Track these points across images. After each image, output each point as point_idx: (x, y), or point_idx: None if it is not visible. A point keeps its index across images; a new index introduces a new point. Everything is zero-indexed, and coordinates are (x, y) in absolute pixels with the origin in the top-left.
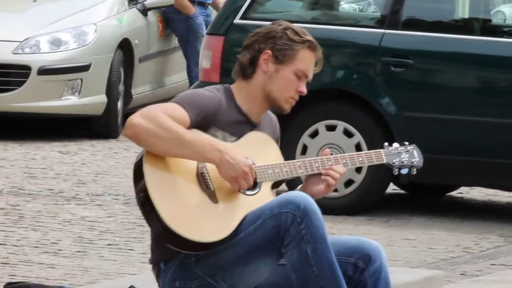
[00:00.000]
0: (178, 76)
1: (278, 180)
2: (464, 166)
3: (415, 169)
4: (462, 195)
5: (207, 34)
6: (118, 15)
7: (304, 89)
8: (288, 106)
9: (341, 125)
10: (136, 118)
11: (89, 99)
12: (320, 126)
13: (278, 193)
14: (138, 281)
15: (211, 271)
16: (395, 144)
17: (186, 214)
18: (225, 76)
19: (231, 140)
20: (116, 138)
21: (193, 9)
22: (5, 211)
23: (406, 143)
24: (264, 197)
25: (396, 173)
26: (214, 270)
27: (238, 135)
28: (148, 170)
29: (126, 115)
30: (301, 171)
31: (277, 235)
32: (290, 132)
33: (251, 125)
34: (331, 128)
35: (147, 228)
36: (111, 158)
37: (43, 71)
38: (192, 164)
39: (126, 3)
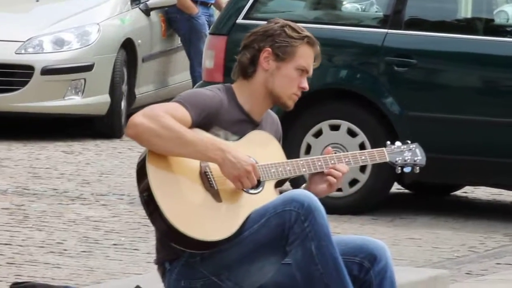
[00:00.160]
0: (181, 76)
1: (281, 178)
2: (468, 165)
3: (418, 168)
4: (466, 194)
5: (210, 34)
6: (120, 15)
7: (306, 85)
8: (291, 102)
9: (344, 124)
10: (138, 118)
11: (92, 99)
12: (324, 125)
13: (281, 192)
14: (144, 281)
15: (216, 270)
16: (398, 143)
17: (189, 212)
18: (228, 76)
19: (233, 139)
20: (120, 138)
21: (196, 9)
22: (10, 211)
23: (409, 141)
24: (267, 195)
25: (399, 171)
26: (219, 269)
27: (240, 134)
28: (151, 169)
29: (130, 115)
30: (304, 169)
31: (281, 233)
32: (294, 132)
33: (253, 124)
34: (335, 127)
35: (152, 228)
36: (115, 158)
37: (46, 71)
38: (195, 163)
39: (129, 3)
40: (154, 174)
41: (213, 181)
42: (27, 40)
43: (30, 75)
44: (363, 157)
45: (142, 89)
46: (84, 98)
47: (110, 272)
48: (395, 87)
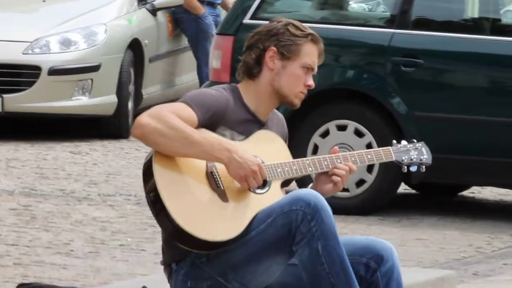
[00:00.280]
0: (188, 76)
1: (288, 178)
2: (475, 165)
3: (424, 167)
4: (473, 194)
5: (217, 34)
6: (127, 15)
7: (311, 82)
8: (298, 100)
9: (352, 125)
10: (144, 118)
11: (99, 99)
12: (331, 126)
13: (287, 192)
14: (150, 282)
15: (223, 271)
16: (404, 142)
17: (196, 213)
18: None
19: (239, 139)
20: (127, 138)
21: (203, 9)
22: (17, 211)
23: (414, 140)
24: (274, 195)
25: (405, 170)
26: (226, 269)
27: (246, 134)
28: (158, 170)
29: (137, 115)
30: (310, 169)
31: (288, 232)
32: (301, 132)
33: (259, 124)
34: (342, 128)
35: (159, 229)
36: (122, 158)
37: (53, 72)
38: (201, 164)
39: (136, 3)
40: (160, 174)
41: (219, 181)
42: (34, 40)
43: (37, 76)
44: (369, 156)
45: (149, 90)
46: (91, 98)
47: (116, 273)
48: (402, 87)
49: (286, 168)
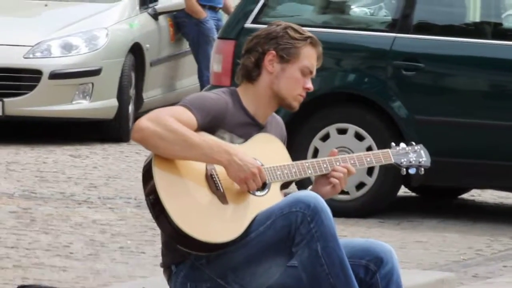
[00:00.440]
0: (189, 80)
1: (287, 181)
2: (476, 168)
3: (422, 169)
4: (474, 197)
5: (218, 38)
6: (129, 19)
7: (310, 85)
8: (297, 103)
9: (352, 128)
10: (143, 122)
11: (100, 103)
12: (332, 129)
13: (285, 194)
14: (150, 284)
15: (222, 273)
16: (402, 144)
17: (196, 215)
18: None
19: (239, 142)
20: (127, 141)
21: (204, 13)
22: (17, 214)
23: (413, 143)
24: (273, 197)
25: (404, 173)
26: (225, 271)
27: (246, 137)
28: (157, 172)
29: (137, 119)
30: (309, 171)
31: (287, 234)
32: (302, 136)
33: (258, 126)
34: (342, 131)
35: (159, 231)
36: (123, 162)
37: (54, 76)
38: (201, 166)
39: (137, 7)
40: (160, 177)
41: (219, 184)
42: (36, 44)
43: (38, 79)
44: (368, 159)
45: (150, 93)
46: (92, 102)
47: (116, 275)
48: (403, 91)
49: (286, 171)
